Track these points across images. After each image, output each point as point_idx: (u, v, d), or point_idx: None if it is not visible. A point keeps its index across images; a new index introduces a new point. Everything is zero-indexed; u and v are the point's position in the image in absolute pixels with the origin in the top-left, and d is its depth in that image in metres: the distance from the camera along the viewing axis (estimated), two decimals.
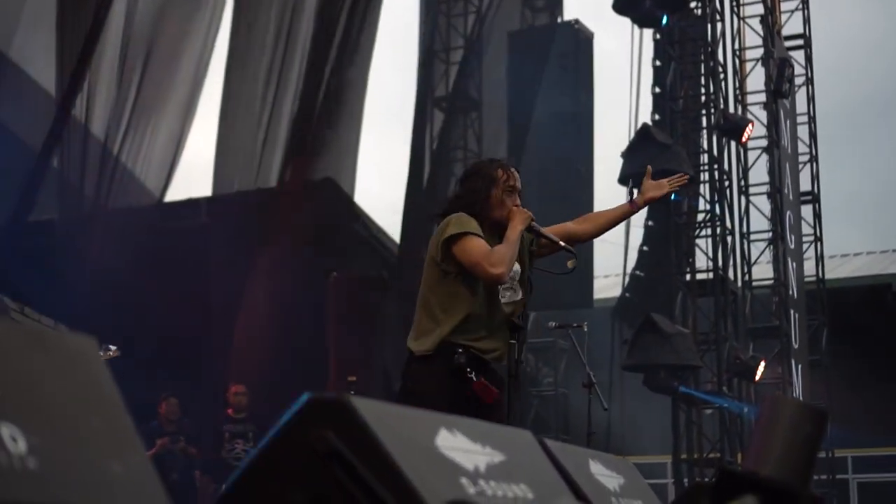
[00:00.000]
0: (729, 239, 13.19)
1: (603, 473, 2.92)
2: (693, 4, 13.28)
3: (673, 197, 12.03)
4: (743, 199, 14.31)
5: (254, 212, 11.60)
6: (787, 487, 1.98)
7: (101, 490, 1.28)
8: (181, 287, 10.74)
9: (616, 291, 14.51)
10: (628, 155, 11.96)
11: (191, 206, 11.97)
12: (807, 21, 16.43)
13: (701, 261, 13.05)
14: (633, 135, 12.31)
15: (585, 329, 7.67)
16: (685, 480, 12.11)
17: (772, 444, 2.10)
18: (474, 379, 4.28)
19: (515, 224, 4.41)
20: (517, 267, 4.50)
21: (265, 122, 12.38)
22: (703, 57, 13.40)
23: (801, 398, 13.68)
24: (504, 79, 14.67)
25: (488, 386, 4.26)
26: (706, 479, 11.78)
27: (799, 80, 15.98)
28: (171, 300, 10.74)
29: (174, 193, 12.43)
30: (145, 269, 10.72)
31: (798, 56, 16.18)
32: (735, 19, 14.77)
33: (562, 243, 4.52)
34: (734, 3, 14.66)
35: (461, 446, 2.24)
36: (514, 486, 2.27)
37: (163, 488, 1.39)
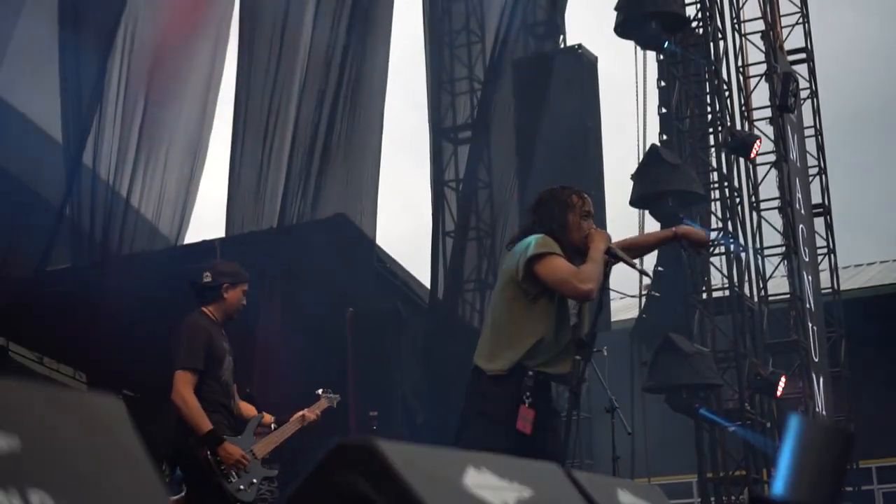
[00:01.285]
0: (742, 255, 13.16)
1: (632, 502, 2.90)
2: (694, 24, 13.31)
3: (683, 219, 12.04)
4: (755, 214, 14.31)
5: (267, 251, 11.61)
6: None
7: None
8: None
9: (633, 313, 14.48)
10: (638, 177, 11.96)
11: (205, 248, 11.98)
12: (808, 35, 16.49)
13: (716, 278, 13.04)
14: (641, 156, 12.31)
15: (605, 353, 7.66)
16: (712, 499, 12.05)
17: (801, 468, 2.09)
18: (527, 405, 4.31)
19: (598, 244, 4.50)
20: None
21: (270, 160, 12.37)
22: (706, 76, 13.42)
23: (823, 411, 13.62)
24: (510, 106, 14.69)
25: (529, 420, 4.32)
26: (733, 498, 11.72)
27: (803, 94, 16.02)
28: None
29: (189, 236, 12.43)
30: (162, 313, 10.72)
31: (801, 70, 16.23)
32: (737, 37, 14.82)
33: (639, 266, 4.63)
34: (735, 21, 14.71)
35: (489, 483, 2.23)
36: None
37: None
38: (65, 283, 11.04)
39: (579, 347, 4.45)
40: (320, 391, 6.69)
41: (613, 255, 4.57)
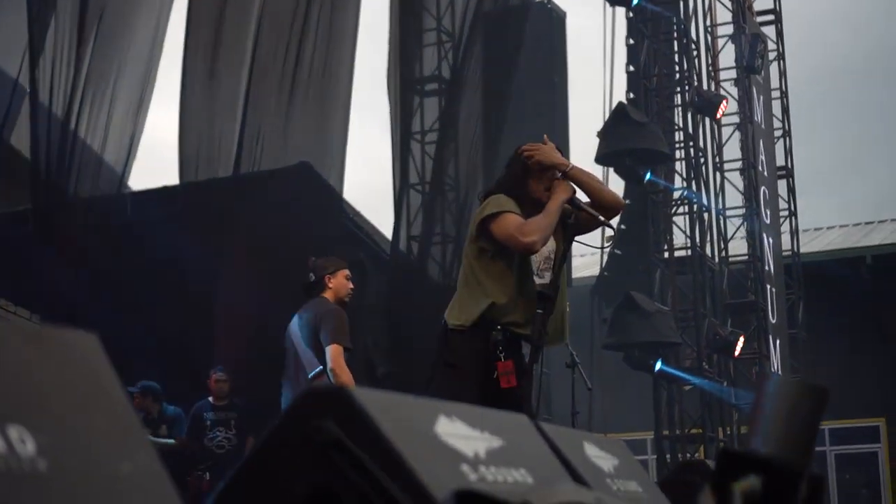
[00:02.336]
0: (705, 215, 13.23)
1: (598, 455, 2.91)
2: None
3: (648, 176, 12.06)
4: (718, 175, 14.37)
5: (228, 199, 11.49)
6: (790, 467, 1.98)
7: (112, 490, 1.26)
8: (157, 276, 10.68)
9: (594, 270, 14.54)
10: (605, 134, 11.96)
11: (166, 193, 11.87)
12: None
13: (678, 238, 13.10)
14: (608, 114, 12.31)
15: (567, 309, 7.66)
16: (667, 456, 12.17)
17: (773, 424, 2.10)
18: (502, 359, 4.36)
19: (558, 195, 4.53)
20: (551, 245, 4.58)
21: (226, 100, 12.07)
22: (675, 34, 13.40)
23: (779, 372, 13.77)
24: (478, 60, 14.58)
25: (510, 372, 4.36)
26: (689, 456, 11.84)
27: (771, 55, 16.06)
28: (148, 289, 10.67)
29: (148, 181, 12.23)
30: (120, 259, 10.65)
31: (769, 31, 16.24)
32: None
33: (601, 218, 4.62)
34: None
35: (460, 432, 2.23)
36: (513, 471, 2.26)
37: (172, 485, 1.36)
38: (24, 224, 10.91)
39: (540, 300, 4.48)
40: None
41: (577, 206, 4.57)
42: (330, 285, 6.89)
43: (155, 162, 13.57)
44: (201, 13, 12.08)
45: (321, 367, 6.54)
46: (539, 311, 4.46)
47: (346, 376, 6.47)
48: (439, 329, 4.60)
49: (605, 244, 4.72)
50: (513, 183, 4.65)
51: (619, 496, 2.75)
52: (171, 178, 12.36)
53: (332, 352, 6.53)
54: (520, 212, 4.50)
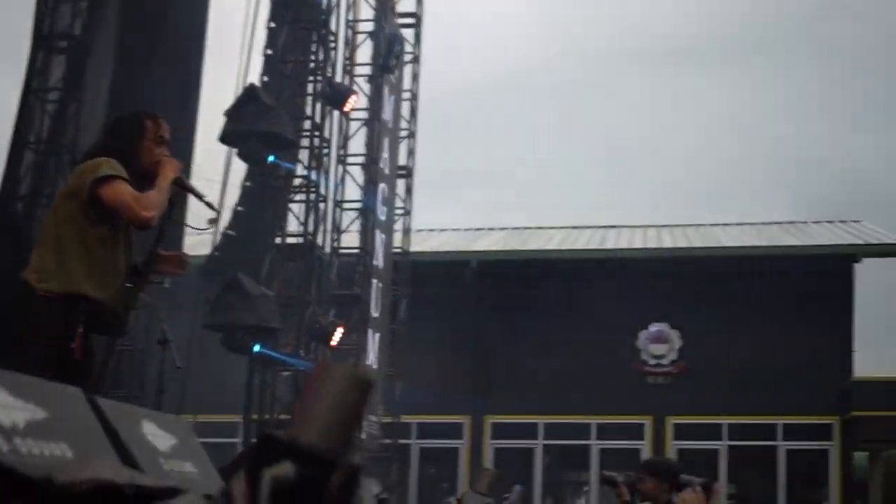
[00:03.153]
0: (322, 205, 13.41)
1: (155, 434, 2.89)
2: None
3: (271, 159, 12.07)
4: (340, 167, 14.61)
5: None
6: (326, 455, 2.03)
7: None
8: None
9: (206, 249, 14.37)
10: (232, 114, 11.86)
11: None
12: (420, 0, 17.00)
13: (292, 225, 13.19)
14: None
15: (167, 285, 7.56)
16: (254, 440, 12.22)
17: (316, 411, 2.15)
18: (81, 331, 4.23)
19: (166, 173, 4.42)
20: None
21: None
22: (315, 24, 13.50)
23: (375, 365, 14.20)
24: (113, 21, 14.04)
25: (78, 348, 4.20)
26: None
27: (407, 58, 16.52)
28: None
29: None
30: None
31: (408, 34, 16.69)
32: None
33: (206, 198, 4.58)
34: None
35: (0, 401, 2.15)
36: (52, 445, 2.20)
37: None
38: None
39: (133, 275, 4.41)
40: None
41: (182, 186, 4.54)
42: None
43: None
44: None
45: None
46: (129, 284, 4.39)
47: None
48: (19, 289, 4.35)
49: (207, 227, 4.65)
50: (125, 151, 4.47)
51: (169, 475, 2.74)
52: None
53: None
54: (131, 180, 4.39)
